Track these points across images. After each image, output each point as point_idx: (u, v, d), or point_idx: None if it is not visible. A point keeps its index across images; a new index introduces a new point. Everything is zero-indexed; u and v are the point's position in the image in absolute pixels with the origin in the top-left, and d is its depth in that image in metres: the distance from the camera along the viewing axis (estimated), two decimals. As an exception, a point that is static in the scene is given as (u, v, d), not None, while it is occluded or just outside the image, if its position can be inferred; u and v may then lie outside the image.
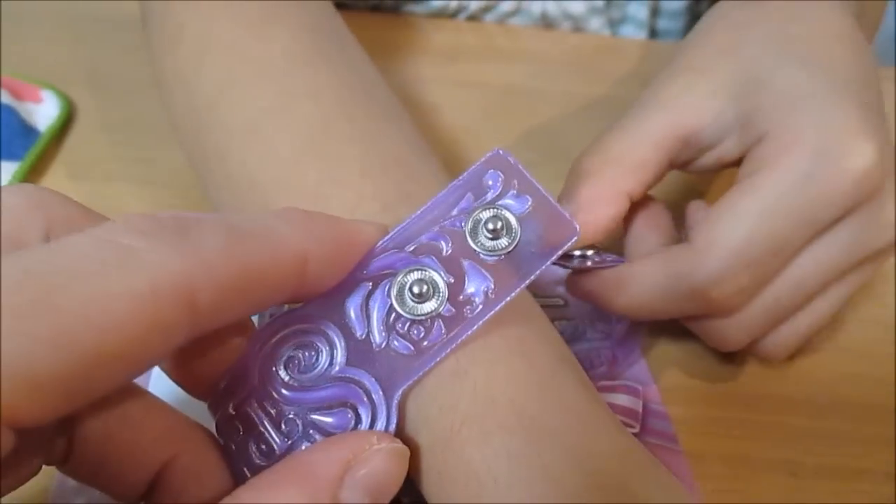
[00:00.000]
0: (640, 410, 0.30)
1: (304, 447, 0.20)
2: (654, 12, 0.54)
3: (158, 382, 0.21)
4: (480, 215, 0.21)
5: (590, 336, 0.32)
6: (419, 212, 0.22)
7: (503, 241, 0.21)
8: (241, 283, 0.17)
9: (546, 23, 0.52)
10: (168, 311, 0.16)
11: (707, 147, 0.28)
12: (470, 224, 0.21)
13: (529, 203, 0.21)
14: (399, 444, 0.19)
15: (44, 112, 0.40)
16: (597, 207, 0.27)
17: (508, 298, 0.21)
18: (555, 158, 0.41)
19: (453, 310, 0.21)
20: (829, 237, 0.26)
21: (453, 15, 0.51)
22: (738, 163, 0.28)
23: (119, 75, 0.44)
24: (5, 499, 0.18)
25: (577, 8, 0.51)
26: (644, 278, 0.27)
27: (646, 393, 0.31)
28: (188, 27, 0.31)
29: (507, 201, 0.21)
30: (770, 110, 0.26)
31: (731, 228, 0.25)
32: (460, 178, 0.22)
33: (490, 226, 0.21)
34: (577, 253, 0.27)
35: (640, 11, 0.53)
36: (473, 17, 0.51)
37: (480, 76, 0.46)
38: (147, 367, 0.17)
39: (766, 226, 0.25)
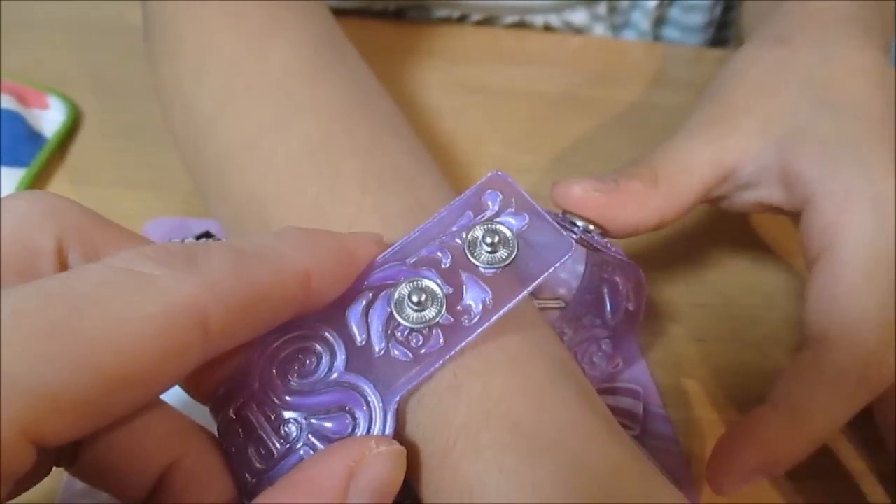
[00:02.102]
0: (641, 413, 0.30)
1: (302, 451, 0.20)
2: (658, 22, 0.54)
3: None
4: (479, 231, 0.22)
5: (586, 323, 0.31)
6: (420, 228, 0.22)
7: (501, 255, 0.22)
8: (250, 304, 0.18)
9: (548, 32, 0.52)
10: (182, 333, 0.16)
11: (742, 186, 0.29)
12: (469, 239, 0.22)
13: (527, 220, 0.22)
14: (397, 446, 0.19)
15: (50, 118, 0.41)
16: (630, 207, 0.27)
17: (505, 309, 0.21)
18: (557, 162, 0.41)
19: (452, 319, 0.21)
20: None
21: (457, 22, 0.51)
22: (774, 209, 0.30)
23: (123, 81, 0.44)
24: (13, 501, 0.19)
25: (580, 18, 0.51)
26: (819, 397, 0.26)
27: (646, 395, 0.31)
28: (188, 40, 0.31)
29: (505, 218, 0.22)
30: (813, 163, 0.27)
31: (860, 303, 0.26)
32: (460, 197, 0.23)
33: (488, 239, 0.22)
34: (580, 224, 0.27)
35: (643, 22, 0.53)
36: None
37: (483, 79, 0.46)
38: (163, 390, 0.17)
39: (877, 285, 0.26)
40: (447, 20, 0.51)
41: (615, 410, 0.30)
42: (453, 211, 0.23)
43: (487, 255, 0.22)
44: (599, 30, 0.52)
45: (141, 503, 0.20)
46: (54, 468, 0.19)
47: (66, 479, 0.27)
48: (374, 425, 0.20)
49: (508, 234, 0.22)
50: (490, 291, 0.21)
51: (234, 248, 0.19)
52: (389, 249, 0.22)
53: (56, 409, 0.14)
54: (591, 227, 0.27)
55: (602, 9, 0.51)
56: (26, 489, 0.18)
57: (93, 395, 0.15)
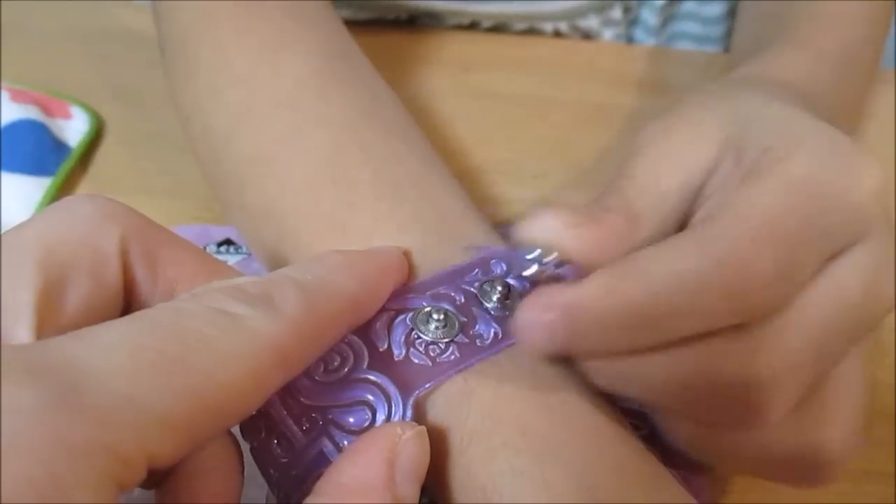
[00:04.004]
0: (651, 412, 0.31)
1: (323, 444, 0.21)
2: (670, 18, 0.54)
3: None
4: (489, 283, 0.24)
5: None
6: (433, 275, 0.25)
7: (509, 303, 0.24)
8: (316, 336, 0.20)
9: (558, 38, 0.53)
10: (268, 370, 0.18)
11: (707, 198, 0.23)
12: (480, 286, 0.24)
13: (528, 286, 0.24)
14: (420, 427, 0.21)
15: (74, 127, 0.42)
16: (614, 249, 0.22)
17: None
18: (568, 168, 0.42)
19: (466, 339, 0.23)
20: (847, 262, 0.21)
21: (468, 29, 0.52)
22: None
23: (144, 90, 0.45)
24: None
25: (591, 24, 0.52)
26: (668, 258, 0.20)
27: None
28: (203, 59, 0.32)
29: (511, 280, 0.25)
30: (768, 129, 0.23)
31: (765, 196, 0.21)
32: (472, 258, 0.25)
33: (499, 288, 0.24)
34: (538, 251, 0.22)
35: (651, 18, 0.53)
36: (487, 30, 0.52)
37: (494, 86, 0.47)
38: (245, 418, 0.19)
39: (794, 200, 0.21)
40: (458, 27, 0.51)
41: (625, 411, 0.31)
42: (465, 266, 0.25)
43: (497, 301, 0.24)
44: (609, 34, 0.53)
45: (152, 487, 0.21)
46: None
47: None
48: (394, 418, 0.21)
49: (516, 289, 0.24)
50: (499, 327, 0.23)
51: (301, 285, 0.20)
52: (408, 285, 0.24)
53: (171, 435, 0.16)
54: (549, 256, 0.22)
55: (617, 13, 0.52)
56: None
57: (197, 423, 0.16)
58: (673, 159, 0.24)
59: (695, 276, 0.20)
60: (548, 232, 0.22)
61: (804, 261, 0.21)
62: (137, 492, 0.27)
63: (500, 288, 0.24)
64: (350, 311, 0.21)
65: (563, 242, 0.22)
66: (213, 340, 0.17)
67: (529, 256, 0.22)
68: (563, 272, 0.22)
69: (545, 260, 0.22)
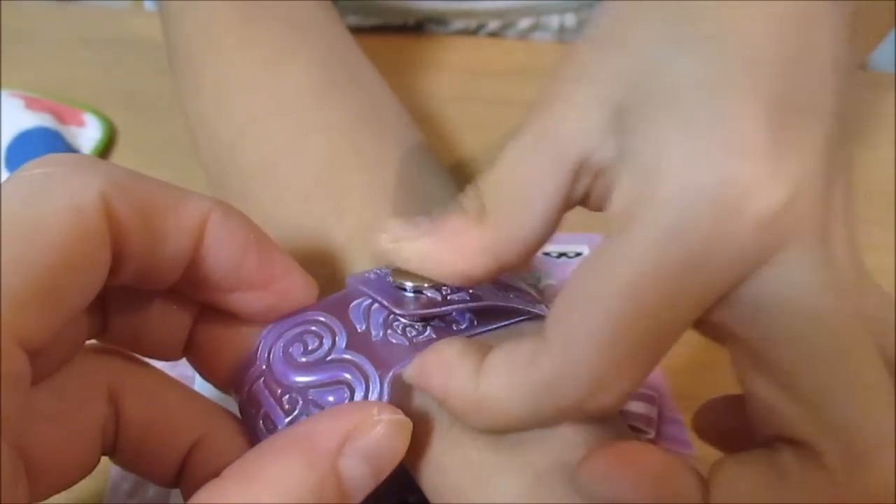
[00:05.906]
0: (656, 417, 0.32)
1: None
2: None
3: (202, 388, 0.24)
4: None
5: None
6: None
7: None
8: (148, 210, 0.19)
9: (563, 34, 0.53)
10: (93, 221, 0.17)
11: (600, 176, 0.20)
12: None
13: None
14: (401, 416, 0.20)
15: (87, 135, 0.43)
16: (447, 253, 0.21)
17: (493, 327, 0.23)
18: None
19: (443, 324, 0.23)
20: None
21: (474, 33, 0.52)
22: None
23: (156, 98, 0.46)
24: (62, 498, 0.20)
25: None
26: (501, 398, 0.19)
27: (661, 400, 0.32)
28: (208, 70, 0.33)
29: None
30: (641, 117, 0.18)
31: (590, 320, 0.18)
32: None
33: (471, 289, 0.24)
34: (410, 285, 0.23)
35: None
36: (493, 35, 0.52)
37: (501, 92, 0.47)
38: (99, 275, 0.18)
39: (633, 308, 0.18)
40: (464, 31, 0.52)
41: (631, 415, 0.32)
42: None
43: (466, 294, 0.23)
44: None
45: (171, 482, 0.22)
46: (99, 473, 0.21)
47: (113, 479, 0.29)
48: (371, 396, 0.21)
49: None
50: (474, 316, 0.24)
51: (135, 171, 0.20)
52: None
53: (22, 308, 0.16)
54: (425, 284, 0.23)
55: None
56: (78, 480, 0.20)
57: (43, 289, 0.16)
58: (544, 135, 0.21)
59: (534, 391, 0.19)
60: (383, 252, 0.22)
61: (662, 352, 0.19)
62: (152, 491, 0.28)
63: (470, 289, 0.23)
64: (196, 220, 0.20)
65: (399, 260, 0.22)
66: (24, 206, 0.17)
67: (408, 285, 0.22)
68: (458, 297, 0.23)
69: (420, 287, 0.22)
